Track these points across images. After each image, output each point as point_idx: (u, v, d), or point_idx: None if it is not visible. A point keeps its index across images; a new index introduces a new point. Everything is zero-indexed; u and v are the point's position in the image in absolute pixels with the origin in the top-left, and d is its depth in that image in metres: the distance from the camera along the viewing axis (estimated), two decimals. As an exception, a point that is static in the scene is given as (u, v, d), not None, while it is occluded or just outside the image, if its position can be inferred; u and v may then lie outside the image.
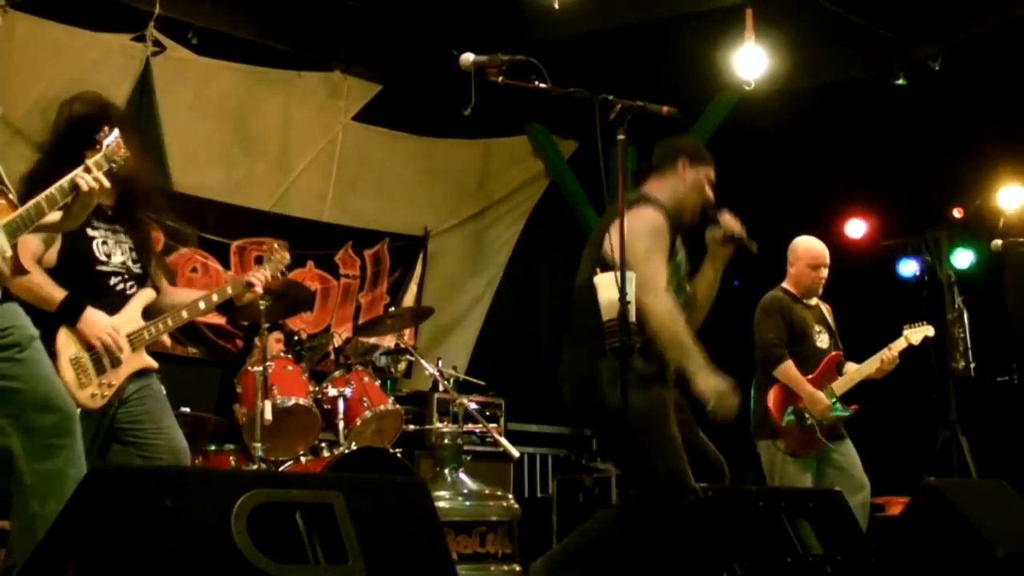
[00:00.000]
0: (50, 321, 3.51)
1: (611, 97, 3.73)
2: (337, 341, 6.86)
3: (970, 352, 6.60)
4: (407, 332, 6.99)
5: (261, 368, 4.93)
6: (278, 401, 5.09)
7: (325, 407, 5.40)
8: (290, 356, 5.64)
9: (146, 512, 2.07)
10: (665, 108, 3.82)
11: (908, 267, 7.62)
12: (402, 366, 7.46)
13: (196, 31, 6.57)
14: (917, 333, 5.49)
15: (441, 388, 6.52)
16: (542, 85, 3.70)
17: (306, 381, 5.41)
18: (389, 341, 7.55)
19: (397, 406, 5.69)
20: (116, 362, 3.61)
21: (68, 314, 3.55)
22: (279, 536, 2.22)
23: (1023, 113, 7.07)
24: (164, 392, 3.84)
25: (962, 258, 7.38)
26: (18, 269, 2.94)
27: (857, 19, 7.13)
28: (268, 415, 4.85)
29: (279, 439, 5.18)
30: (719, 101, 8.27)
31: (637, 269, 3.50)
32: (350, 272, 7.79)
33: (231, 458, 5.33)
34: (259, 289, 4.08)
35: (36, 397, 2.91)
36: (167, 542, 2.06)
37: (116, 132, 3.40)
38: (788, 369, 5.13)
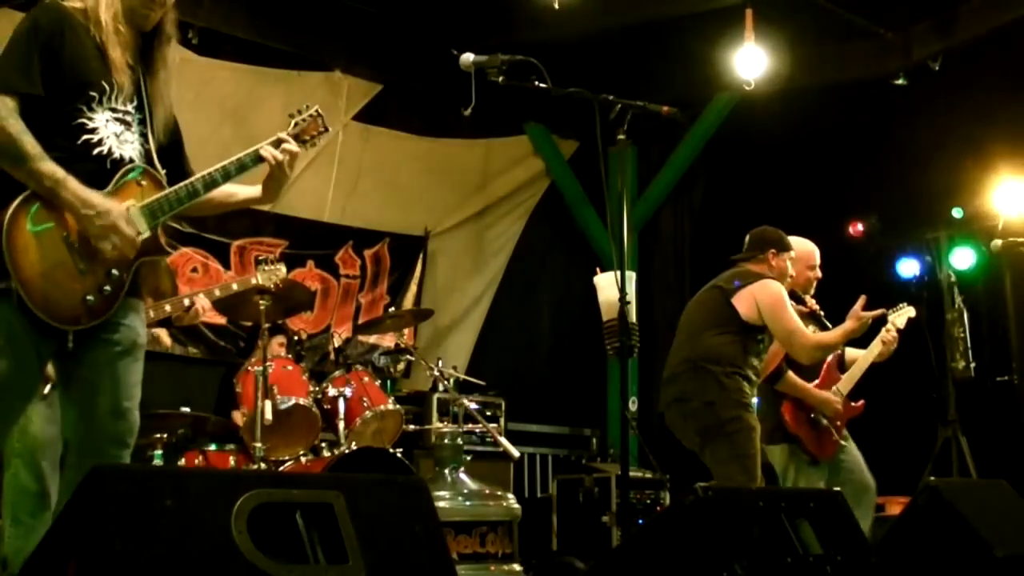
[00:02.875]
0: None
1: (611, 97, 3.74)
2: (337, 341, 6.86)
3: (970, 352, 6.61)
4: (407, 332, 6.99)
5: (261, 368, 4.93)
6: (278, 401, 5.09)
7: (325, 407, 5.40)
8: (290, 356, 5.65)
9: (146, 512, 2.07)
10: (665, 108, 3.85)
11: (908, 267, 7.62)
12: (401, 366, 7.46)
13: (196, 31, 6.57)
14: (900, 316, 5.50)
15: (441, 388, 6.52)
16: (542, 85, 3.71)
17: (306, 381, 5.41)
18: (389, 341, 7.55)
19: (397, 406, 5.69)
20: None
21: None
22: (279, 536, 2.22)
23: (1023, 113, 7.07)
24: None
25: (962, 258, 7.38)
26: (157, 249, 2.92)
27: (857, 19, 7.13)
28: (268, 415, 4.85)
29: (279, 439, 5.18)
30: (719, 101, 8.27)
31: (791, 340, 4.68)
32: (350, 272, 7.79)
33: (231, 458, 5.33)
34: (197, 311, 4.25)
35: (115, 402, 2.84)
36: (167, 542, 2.06)
37: (316, 107, 3.37)
38: (790, 381, 5.10)
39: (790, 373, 5.08)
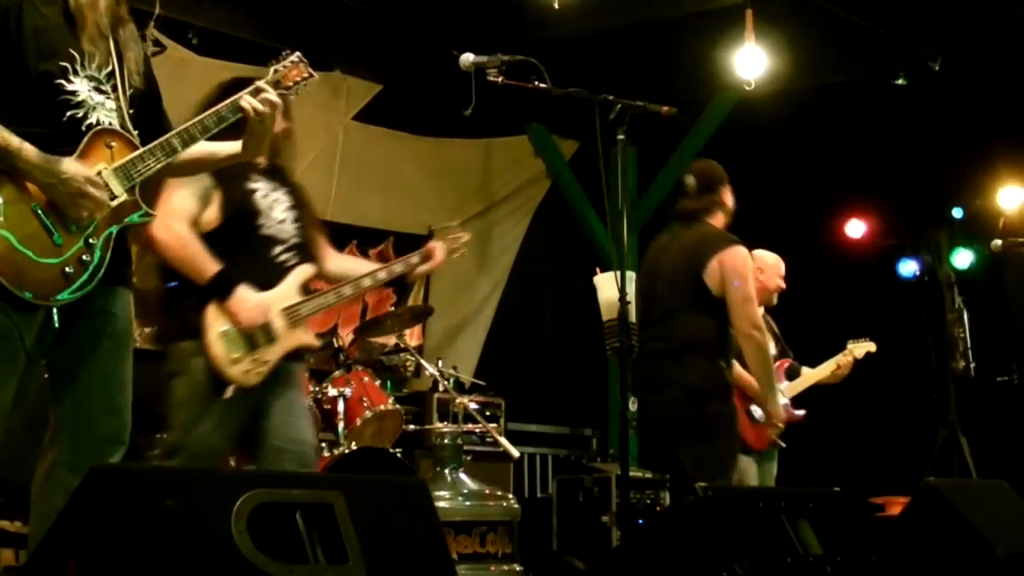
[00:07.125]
0: (201, 295, 3.36)
1: (611, 97, 3.75)
2: (341, 341, 6.84)
3: (970, 352, 6.60)
4: (413, 332, 6.97)
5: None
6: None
7: (325, 407, 5.40)
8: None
9: (146, 512, 2.07)
10: (665, 108, 3.85)
11: (908, 267, 7.62)
12: (411, 366, 7.46)
13: (196, 31, 6.57)
14: (860, 348, 5.60)
15: (441, 388, 6.51)
16: (542, 85, 3.71)
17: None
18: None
19: (397, 406, 5.69)
20: (271, 338, 3.42)
21: (219, 289, 3.36)
22: (279, 536, 2.23)
23: (1023, 113, 7.07)
24: (301, 384, 3.65)
25: (962, 258, 7.39)
26: (138, 212, 2.75)
27: (857, 19, 7.13)
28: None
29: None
30: (719, 101, 8.27)
31: (743, 308, 4.29)
32: (354, 271, 7.78)
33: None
34: (425, 267, 3.88)
35: (108, 397, 2.76)
36: (167, 542, 2.07)
37: (297, 53, 3.15)
38: (737, 372, 5.04)
39: (736, 364, 4.99)
